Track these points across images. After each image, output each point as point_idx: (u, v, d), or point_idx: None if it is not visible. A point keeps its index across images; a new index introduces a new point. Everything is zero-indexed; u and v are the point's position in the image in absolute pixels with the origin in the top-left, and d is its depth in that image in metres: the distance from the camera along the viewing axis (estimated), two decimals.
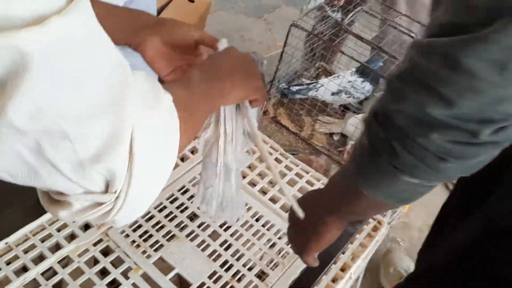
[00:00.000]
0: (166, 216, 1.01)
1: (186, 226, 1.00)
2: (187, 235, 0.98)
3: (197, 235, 0.99)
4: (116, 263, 0.91)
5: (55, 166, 0.34)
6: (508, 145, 0.43)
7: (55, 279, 0.85)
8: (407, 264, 1.44)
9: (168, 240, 0.97)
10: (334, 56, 1.41)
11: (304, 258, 0.71)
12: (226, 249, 0.97)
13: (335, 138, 1.27)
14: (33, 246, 0.90)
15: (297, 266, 0.96)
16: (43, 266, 0.87)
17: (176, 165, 1.13)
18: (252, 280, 0.92)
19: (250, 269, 0.94)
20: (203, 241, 0.98)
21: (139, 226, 0.98)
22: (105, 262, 0.90)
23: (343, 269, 0.99)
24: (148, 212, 1.01)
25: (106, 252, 0.95)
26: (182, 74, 0.67)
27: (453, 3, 0.39)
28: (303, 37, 1.22)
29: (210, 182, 0.77)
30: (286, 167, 1.19)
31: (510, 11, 0.34)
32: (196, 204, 0.82)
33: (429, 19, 0.44)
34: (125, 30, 0.61)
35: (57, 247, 0.92)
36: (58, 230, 0.94)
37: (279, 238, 1.02)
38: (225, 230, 1.01)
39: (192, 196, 1.07)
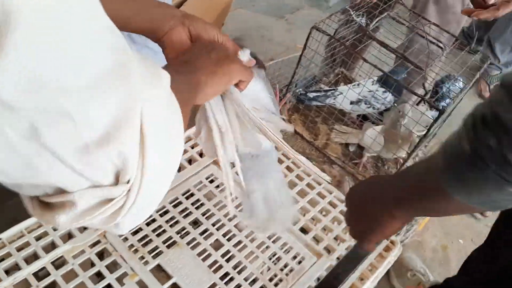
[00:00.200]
0: (168, 221, 0.98)
1: (188, 233, 0.96)
2: (188, 243, 0.95)
3: (198, 243, 0.95)
4: (112, 267, 0.87)
5: (55, 152, 0.29)
6: None
7: (47, 281, 0.82)
8: (419, 265, 1.38)
9: (168, 246, 0.93)
10: (355, 63, 1.36)
11: (362, 246, 0.70)
12: (228, 260, 0.93)
13: (351, 149, 1.21)
14: (27, 244, 0.87)
15: (302, 284, 0.92)
16: (36, 266, 0.84)
17: (182, 167, 1.09)
18: None
19: (251, 283, 0.90)
20: (204, 250, 0.94)
21: (139, 230, 0.95)
22: (100, 266, 0.86)
23: None
24: (150, 215, 0.98)
25: (102, 254, 0.92)
26: None
27: None
28: (324, 41, 1.18)
29: (251, 187, 0.71)
30: (298, 176, 1.15)
31: None
32: (244, 218, 0.76)
33: None
34: (152, 16, 0.60)
35: (52, 246, 0.89)
36: (55, 228, 0.91)
37: (285, 252, 0.98)
38: (229, 239, 0.97)
39: (197, 201, 1.03)
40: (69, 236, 0.91)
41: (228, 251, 0.94)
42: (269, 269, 0.94)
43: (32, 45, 0.25)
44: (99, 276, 0.86)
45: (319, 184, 1.14)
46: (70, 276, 0.84)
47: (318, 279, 0.95)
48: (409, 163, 1.20)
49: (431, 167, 0.53)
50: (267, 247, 0.98)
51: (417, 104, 0.90)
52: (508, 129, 0.41)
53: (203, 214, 1.01)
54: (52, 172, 0.30)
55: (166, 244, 0.93)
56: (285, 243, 1.00)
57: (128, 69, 0.31)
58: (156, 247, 0.92)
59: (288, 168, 1.16)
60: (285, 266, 0.95)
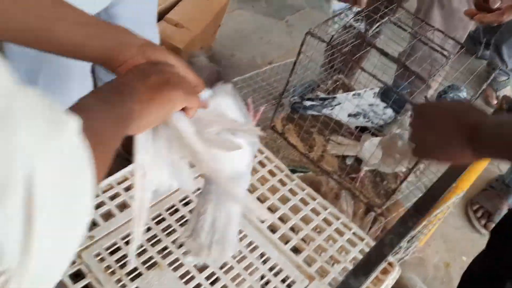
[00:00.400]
0: (149, 239, 0.92)
1: (170, 252, 0.91)
2: (170, 263, 0.89)
3: (181, 265, 0.89)
4: None
5: None
6: None
7: None
8: (419, 285, 1.32)
9: (148, 268, 0.88)
10: (354, 70, 1.30)
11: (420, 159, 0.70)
12: (213, 283, 0.88)
13: (348, 162, 1.16)
14: None
15: None
16: None
17: None
18: None
19: None
20: (187, 272, 0.88)
21: (117, 249, 0.89)
22: None
23: None
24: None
25: (76, 276, 0.86)
26: None
27: None
28: (321, 47, 1.12)
29: (204, 208, 0.66)
30: (291, 191, 1.09)
31: None
32: (184, 235, 0.70)
33: None
34: (107, 44, 0.54)
35: None
36: None
37: (275, 274, 0.92)
38: None
39: (181, 217, 0.97)
40: None
41: (213, 273, 0.89)
42: None
43: None
44: None
45: (314, 199, 1.08)
46: None
47: None
48: (410, 179, 1.14)
49: None
50: (256, 269, 0.92)
51: None
52: None
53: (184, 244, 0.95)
54: None
55: (146, 265, 0.88)
56: (275, 264, 0.94)
57: (10, 117, 0.25)
58: (135, 269, 0.86)
59: (281, 181, 1.10)
60: None
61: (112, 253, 0.88)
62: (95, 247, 0.88)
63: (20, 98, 0.26)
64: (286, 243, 0.98)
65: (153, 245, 0.91)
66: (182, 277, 0.87)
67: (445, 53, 0.95)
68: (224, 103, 0.60)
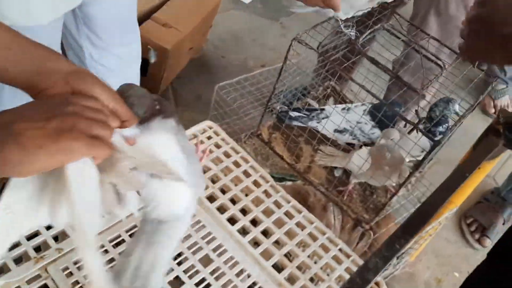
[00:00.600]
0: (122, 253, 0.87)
1: None
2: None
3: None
4: None
5: None
6: None
7: None
8: None
9: None
10: (344, 78, 1.26)
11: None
12: None
13: (336, 174, 1.11)
14: None
15: None
16: None
17: None
18: None
19: None
20: None
21: None
22: None
23: None
24: (102, 246, 0.87)
25: None
26: None
27: None
28: (309, 53, 1.08)
29: (132, 249, 0.62)
30: (275, 203, 1.04)
31: None
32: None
33: None
34: (30, 69, 0.50)
35: None
36: None
37: None
38: (190, 277, 0.87)
39: None
40: (1, 270, 0.81)
41: None
42: None
43: None
44: None
45: (299, 212, 1.04)
46: None
47: None
48: (401, 193, 1.10)
49: None
50: (235, 286, 0.88)
51: (409, 132, 0.80)
52: None
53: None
54: None
55: None
56: (255, 282, 0.90)
57: None
58: None
59: (266, 193, 1.06)
60: None
61: (80, 267, 0.83)
62: (63, 260, 0.83)
63: None
64: (268, 258, 0.94)
65: None
66: None
67: (440, 62, 0.91)
68: (156, 141, 0.54)
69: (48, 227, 0.86)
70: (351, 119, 1.04)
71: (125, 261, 0.60)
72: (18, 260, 0.82)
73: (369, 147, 1.04)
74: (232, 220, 1.00)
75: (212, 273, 0.88)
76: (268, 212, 1.03)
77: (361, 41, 0.87)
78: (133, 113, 0.52)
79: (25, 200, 0.49)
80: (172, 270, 0.87)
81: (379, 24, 0.97)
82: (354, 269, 0.96)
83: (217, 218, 0.97)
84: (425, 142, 0.98)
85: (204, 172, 1.07)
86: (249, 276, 0.90)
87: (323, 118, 1.09)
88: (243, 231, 0.99)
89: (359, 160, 0.98)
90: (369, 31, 0.90)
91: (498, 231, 1.58)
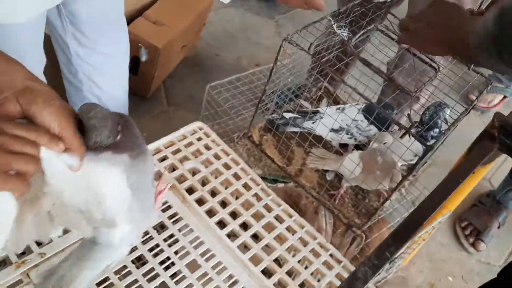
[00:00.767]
0: None
1: (129, 273, 0.84)
2: (128, 285, 0.83)
3: (140, 287, 0.83)
4: None
5: None
6: None
7: None
8: None
9: None
10: (336, 79, 1.24)
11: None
12: None
13: (328, 177, 1.10)
14: None
15: None
16: None
17: None
18: None
19: None
20: None
21: None
22: None
23: None
24: None
25: None
26: None
27: None
28: (301, 54, 1.06)
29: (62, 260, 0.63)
30: (266, 206, 1.03)
31: None
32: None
33: None
34: None
35: None
36: None
37: None
38: (177, 283, 0.85)
39: (145, 233, 0.91)
40: None
41: None
42: None
43: None
44: None
45: (290, 216, 1.03)
46: None
47: None
48: (393, 197, 1.09)
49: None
50: None
51: (402, 137, 0.78)
52: None
53: (150, 250, 0.89)
54: None
55: (102, 286, 0.81)
56: None
57: None
58: None
59: (256, 196, 1.04)
60: None
61: None
62: (46, 265, 0.81)
63: None
64: (257, 264, 0.92)
65: None
66: None
67: (434, 65, 0.90)
68: (100, 175, 0.53)
69: None
70: (346, 118, 1.02)
71: (57, 266, 0.61)
72: None
73: (360, 151, 1.02)
74: (221, 224, 0.99)
75: (199, 278, 0.87)
76: (258, 216, 1.02)
77: (354, 42, 0.86)
78: (89, 138, 0.51)
79: None
80: (159, 275, 0.85)
81: (372, 25, 0.95)
82: (345, 275, 0.95)
83: (205, 222, 0.96)
84: (418, 146, 0.97)
85: (194, 174, 1.05)
86: (237, 282, 0.89)
87: (317, 119, 1.07)
88: (232, 235, 0.98)
89: (350, 164, 0.97)
90: (362, 31, 0.89)
91: (493, 235, 1.58)
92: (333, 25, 0.85)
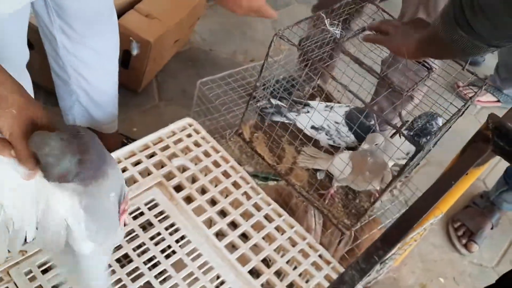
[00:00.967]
0: None
1: (113, 271, 0.83)
2: (113, 284, 0.81)
3: (124, 286, 0.82)
4: None
5: None
6: None
7: None
8: None
9: None
10: (326, 76, 1.22)
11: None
12: None
13: (319, 176, 1.08)
14: None
15: None
16: None
17: None
18: None
19: None
20: None
21: (51, 267, 0.81)
22: None
23: None
24: None
25: None
26: None
27: None
28: (293, 50, 1.04)
29: None
30: (255, 205, 1.02)
31: None
32: None
33: None
34: None
35: None
36: None
37: None
38: (162, 282, 0.84)
39: (130, 232, 0.90)
40: None
41: None
42: None
43: None
44: None
45: (280, 215, 1.01)
46: None
47: None
48: (385, 197, 1.08)
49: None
50: None
51: (392, 136, 0.77)
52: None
53: (135, 249, 0.87)
54: None
55: None
56: None
57: None
58: None
59: (246, 194, 1.03)
60: None
61: (45, 271, 0.80)
62: (26, 263, 0.80)
63: None
64: (245, 264, 0.91)
65: None
66: None
67: (427, 65, 0.89)
68: (50, 193, 0.52)
69: None
70: (331, 118, 1.00)
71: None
72: None
73: (351, 151, 1.01)
74: (209, 223, 0.97)
75: (185, 278, 0.85)
76: (247, 215, 1.01)
77: (345, 40, 0.84)
78: (48, 176, 0.49)
79: None
80: (143, 275, 0.84)
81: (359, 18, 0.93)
82: (334, 276, 0.94)
83: (193, 220, 0.95)
84: (411, 145, 0.96)
85: (184, 171, 1.04)
86: (224, 282, 0.88)
87: (303, 112, 1.05)
88: (220, 235, 0.96)
89: (340, 164, 0.95)
90: (356, 29, 0.87)
91: (486, 236, 1.57)
92: (326, 22, 0.83)
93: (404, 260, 1.41)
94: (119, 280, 0.82)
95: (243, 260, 0.92)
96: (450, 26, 0.72)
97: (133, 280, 0.83)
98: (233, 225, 0.99)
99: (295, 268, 0.94)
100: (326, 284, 0.92)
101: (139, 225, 0.91)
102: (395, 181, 0.86)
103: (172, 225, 0.93)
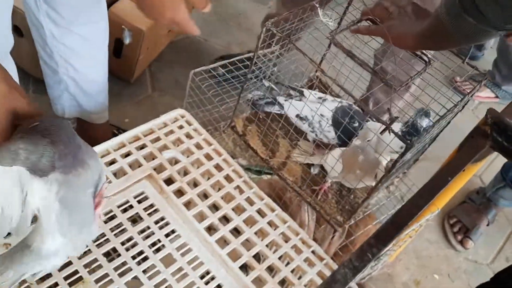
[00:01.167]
0: None
1: (100, 266, 0.81)
2: (98, 280, 0.80)
3: (111, 281, 0.80)
4: None
5: None
6: None
7: None
8: None
9: (70, 284, 0.78)
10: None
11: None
12: None
13: (313, 171, 1.06)
14: None
15: None
16: None
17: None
18: None
19: None
20: None
21: None
22: None
23: None
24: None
25: None
26: None
27: None
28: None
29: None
30: (248, 199, 1.00)
31: None
32: None
33: None
34: None
35: None
36: None
37: None
38: (150, 278, 0.82)
39: (118, 225, 0.88)
40: None
41: None
42: None
43: None
44: None
45: (272, 210, 0.99)
46: None
47: None
48: (381, 194, 1.06)
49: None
50: None
51: (382, 132, 0.75)
52: None
53: (123, 244, 0.85)
54: None
55: (69, 280, 0.78)
56: (220, 284, 0.85)
57: None
58: (56, 284, 0.77)
59: (238, 188, 1.01)
60: None
61: None
62: None
63: None
64: (236, 259, 0.89)
65: (79, 257, 0.81)
66: None
67: (425, 57, 0.86)
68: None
69: None
70: (320, 111, 0.98)
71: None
72: None
73: (343, 148, 0.99)
74: (200, 217, 0.95)
75: (174, 274, 0.84)
76: (239, 209, 0.99)
77: (338, 32, 0.82)
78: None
79: None
80: (131, 270, 0.82)
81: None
82: (327, 273, 0.92)
83: (183, 215, 0.93)
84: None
85: (175, 163, 1.02)
86: (213, 278, 0.86)
87: (296, 100, 1.02)
88: (211, 229, 0.94)
89: (332, 161, 0.93)
90: (351, 22, 0.84)
91: (481, 233, 1.56)
92: (320, 15, 0.81)
93: (399, 256, 1.40)
94: (106, 275, 0.80)
95: (234, 255, 0.90)
96: (456, 13, 0.69)
97: (121, 275, 0.81)
98: (225, 219, 0.97)
99: (287, 264, 0.93)
100: (319, 280, 0.91)
101: (127, 218, 0.89)
102: (385, 179, 0.84)
103: (161, 219, 0.91)
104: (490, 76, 2.14)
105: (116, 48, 1.48)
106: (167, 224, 0.91)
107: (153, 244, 0.87)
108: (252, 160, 1.26)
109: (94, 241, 0.84)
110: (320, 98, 1.05)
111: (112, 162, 0.96)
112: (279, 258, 0.93)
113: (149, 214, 0.91)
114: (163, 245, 0.87)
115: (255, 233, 0.95)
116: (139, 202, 0.92)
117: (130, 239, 0.87)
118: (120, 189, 0.93)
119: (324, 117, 0.99)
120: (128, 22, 1.40)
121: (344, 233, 1.06)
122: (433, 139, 1.06)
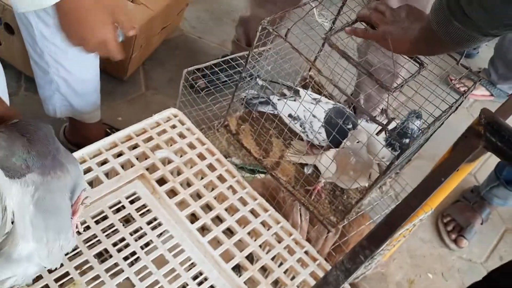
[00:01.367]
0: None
1: (91, 268, 0.81)
2: (89, 281, 0.79)
3: (102, 283, 0.80)
4: None
5: None
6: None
7: None
8: None
9: (61, 286, 0.77)
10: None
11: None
12: None
13: (307, 171, 1.06)
14: None
15: None
16: None
17: (98, 181, 0.93)
18: None
19: None
20: None
21: None
22: None
23: None
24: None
25: None
26: None
27: None
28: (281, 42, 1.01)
29: None
30: (241, 199, 1.00)
31: None
32: None
33: None
34: None
35: None
36: None
37: None
38: (142, 279, 0.82)
39: (110, 226, 0.87)
40: None
41: None
42: None
43: None
44: None
45: (266, 210, 0.99)
46: None
47: None
48: (374, 194, 1.06)
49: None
50: None
51: (378, 134, 0.75)
52: None
53: (115, 245, 0.85)
54: None
55: (60, 282, 0.77)
56: (212, 286, 0.85)
57: None
58: (47, 286, 0.76)
59: (232, 189, 1.01)
60: None
61: None
62: None
63: None
64: (228, 260, 0.89)
65: (70, 258, 0.80)
66: None
67: (419, 60, 0.86)
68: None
69: None
70: (314, 111, 0.98)
71: None
72: None
73: (336, 149, 0.99)
74: (192, 217, 0.95)
75: (166, 275, 0.83)
76: (232, 210, 0.99)
77: (333, 33, 0.81)
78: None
79: None
80: (123, 271, 0.82)
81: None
82: (320, 273, 0.92)
83: (175, 215, 0.92)
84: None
85: (168, 163, 1.01)
86: (206, 279, 0.86)
87: (290, 100, 1.02)
88: (204, 230, 0.94)
89: (326, 162, 0.93)
90: (346, 23, 0.84)
91: (475, 232, 1.56)
92: (315, 15, 0.81)
93: (393, 255, 1.40)
94: (97, 277, 0.80)
95: (227, 256, 0.90)
96: (444, 18, 0.70)
97: (112, 276, 0.80)
98: (218, 219, 0.97)
99: (280, 264, 0.93)
100: (312, 281, 0.91)
101: (119, 219, 0.89)
102: (379, 181, 0.84)
103: (154, 219, 0.91)
104: (486, 74, 2.15)
105: None
106: (159, 224, 0.90)
107: (146, 245, 0.87)
108: (246, 159, 1.26)
109: (86, 242, 0.83)
110: (315, 99, 1.05)
111: (104, 162, 0.96)
112: (272, 258, 0.93)
113: (141, 215, 0.91)
114: (155, 246, 0.87)
115: (248, 233, 0.95)
116: (131, 202, 0.92)
117: (122, 240, 0.86)
118: (112, 189, 0.92)
119: (315, 118, 0.99)
120: None
121: (338, 233, 1.06)
122: (427, 139, 1.06)
